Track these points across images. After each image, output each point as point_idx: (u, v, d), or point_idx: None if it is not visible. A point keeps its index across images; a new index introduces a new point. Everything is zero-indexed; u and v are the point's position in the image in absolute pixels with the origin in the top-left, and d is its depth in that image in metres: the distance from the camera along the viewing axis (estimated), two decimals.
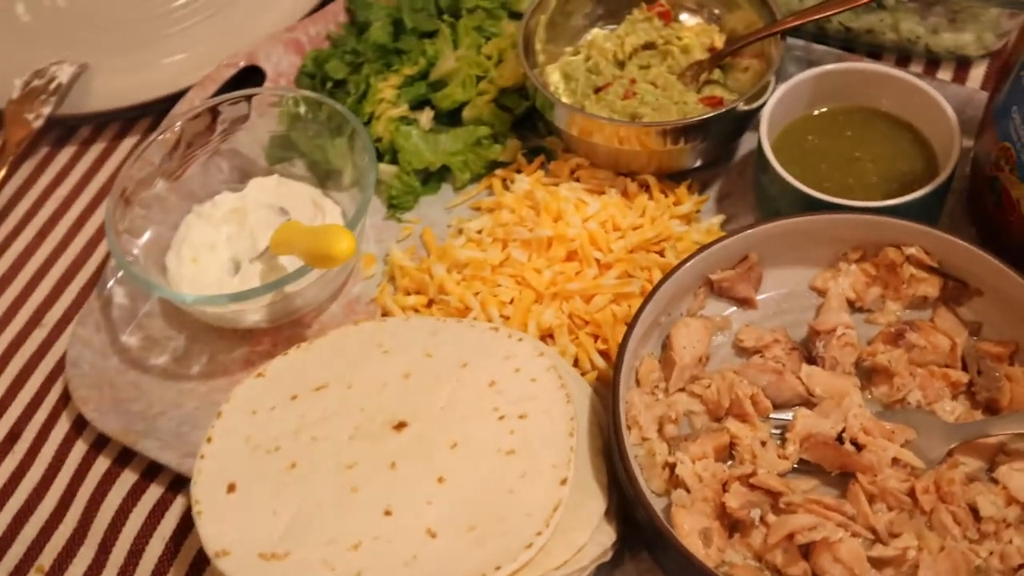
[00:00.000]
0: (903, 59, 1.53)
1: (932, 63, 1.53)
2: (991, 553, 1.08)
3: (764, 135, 1.30)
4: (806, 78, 1.35)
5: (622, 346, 1.16)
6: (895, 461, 1.13)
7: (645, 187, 1.38)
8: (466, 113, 1.46)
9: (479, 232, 1.37)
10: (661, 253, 1.33)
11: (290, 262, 1.33)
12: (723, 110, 1.31)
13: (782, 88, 1.34)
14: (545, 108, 1.37)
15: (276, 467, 1.16)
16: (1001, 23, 1.45)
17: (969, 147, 1.34)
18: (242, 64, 1.55)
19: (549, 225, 1.32)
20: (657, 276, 1.29)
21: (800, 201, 1.26)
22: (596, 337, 1.29)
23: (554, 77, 1.44)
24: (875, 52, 1.53)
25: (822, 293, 1.28)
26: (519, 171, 1.44)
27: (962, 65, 1.52)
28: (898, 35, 1.49)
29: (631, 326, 1.17)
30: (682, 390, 1.22)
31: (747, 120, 1.37)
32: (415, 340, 1.24)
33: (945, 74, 1.51)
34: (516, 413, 1.16)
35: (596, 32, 1.50)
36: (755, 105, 1.34)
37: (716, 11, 1.49)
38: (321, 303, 1.38)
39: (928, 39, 1.48)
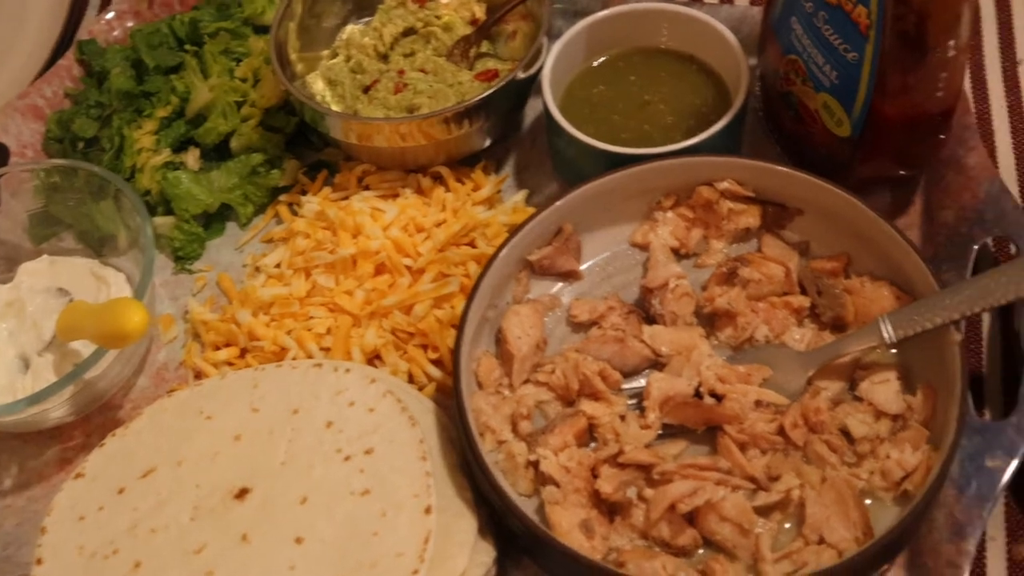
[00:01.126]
0: None
1: None
2: (872, 472, 1.06)
3: (549, 99, 1.24)
4: (579, 31, 1.29)
5: (455, 352, 1.09)
6: (758, 403, 1.10)
7: (439, 179, 1.31)
8: (234, 143, 1.36)
9: (277, 266, 1.28)
10: (472, 244, 1.26)
11: (84, 346, 1.23)
12: (502, 83, 1.24)
13: (557, 47, 1.28)
14: (316, 121, 1.29)
15: (119, 572, 1.05)
16: None
17: (753, 65, 1.31)
18: None
19: (349, 243, 1.24)
20: (473, 269, 1.23)
21: (601, 159, 1.20)
22: (426, 347, 1.21)
23: (318, 85, 1.36)
24: None
25: (644, 248, 1.23)
26: (305, 192, 1.35)
27: None
28: None
29: (459, 329, 1.11)
30: (527, 381, 1.15)
31: (528, 87, 1.30)
32: (237, 397, 1.14)
33: None
34: (361, 450, 1.08)
35: (351, 29, 1.41)
36: (533, 71, 1.28)
37: None
38: (127, 379, 1.28)
39: None
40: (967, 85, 1.36)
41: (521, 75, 1.26)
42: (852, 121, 1.15)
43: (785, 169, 1.17)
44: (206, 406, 1.15)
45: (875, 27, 1.08)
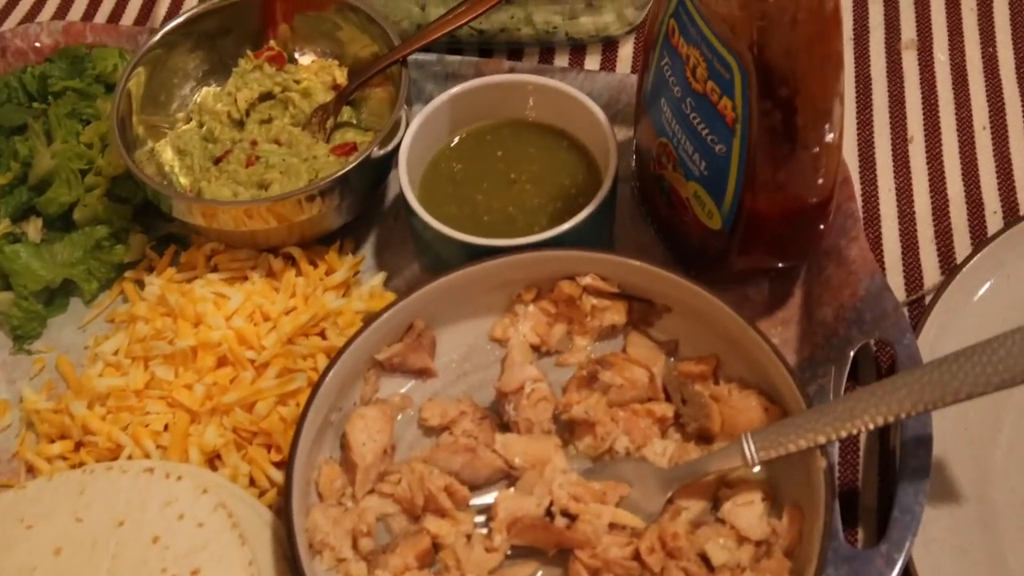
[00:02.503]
0: (547, 51, 1.41)
1: (578, 49, 1.41)
2: None
3: (404, 178, 1.16)
4: (441, 104, 1.21)
5: (288, 466, 1.02)
6: (612, 525, 1.02)
7: (292, 260, 1.22)
8: (77, 215, 1.26)
9: (116, 353, 1.19)
10: (323, 334, 1.18)
11: None
12: (356, 163, 1.16)
13: (417, 121, 1.19)
14: (158, 200, 1.19)
15: None
16: None
17: (630, 138, 1.23)
18: None
19: (189, 333, 1.15)
20: (322, 362, 1.15)
21: (457, 247, 1.13)
22: (269, 447, 1.13)
23: (166, 155, 1.27)
24: (516, 48, 1.41)
25: (504, 343, 1.15)
26: (152, 267, 1.26)
27: (609, 45, 1.40)
28: (534, 28, 1.36)
29: (294, 440, 1.03)
30: (372, 492, 1.07)
31: (387, 163, 1.21)
32: (62, 504, 1.06)
33: (593, 59, 1.40)
34: (188, 569, 1.00)
35: (206, 92, 1.32)
36: (391, 147, 1.19)
37: (330, 45, 1.33)
38: None
39: (566, 27, 1.36)
40: (854, 165, 1.29)
41: (377, 152, 1.18)
42: (723, 215, 1.08)
43: (649, 267, 1.09)
44: (28, 513, 1.06)
45: (741, 121, 1.00)
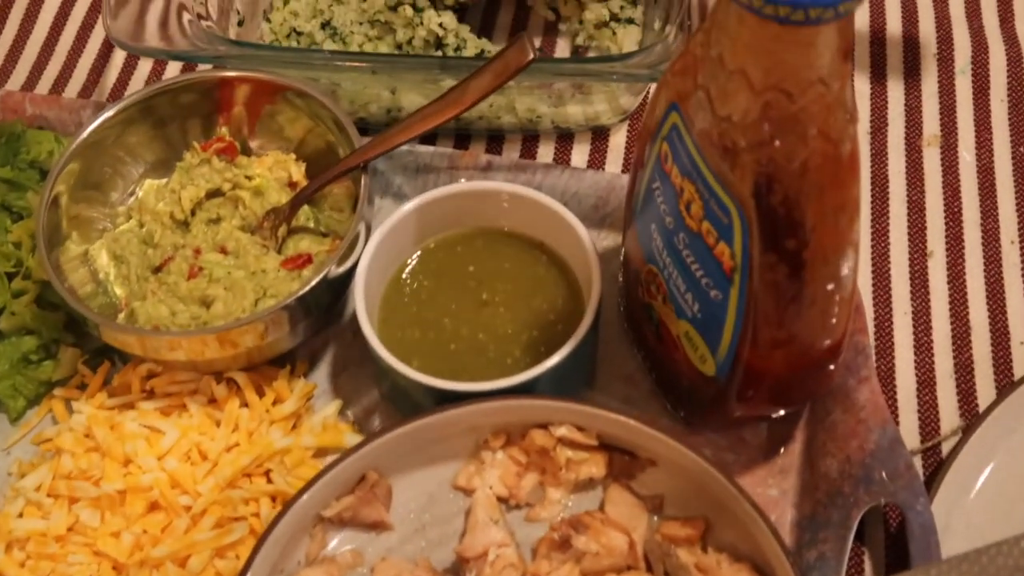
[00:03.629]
0: (531, 138, 1.27)
1: (565, 136, 1.27)
2: None
3: (361, 308, 1.03)
4: (404, 216, 1.08)
5: None
6: None
7: (237, 386, 1.09)
8: (4, 323, 1.13)
9: (38, 490, 1.06)
10: (267, 475, 1.05)
11: None
12: (307, 288, 1.03)
13: (376, 238, 1.06)
14: (83, 321, 1.07)
15: None
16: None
17: (620, 244, 1.11)
18: None
19: (117, 475, 1.03)
20: (266, 509, 1.03)
21: (416, 387, 1.00)
22: None
23: (101, 260, 1.14)
24: (496, 134, 1.27)
25: (468, 492, 1.03)
26: (84, 385, 1.13)
27: (600, 133, 1.27)
28: (516, 116, 1.23)
29: None
30: None
31: (346, 279, 1.08)
32: None
33: (582, 148, 1.26)
34: None
35: (148, 185, 1.18)
36: (349, 263, 1.06)
37: (283, 135, 1.19)
38: None
39: (553, 115, 1.23)
40: (867, 284, 1.15)
41: (334, 271, 1.05)
42: (717, 363, 0.95)
43: (629, 421, 0.97)
44: None
45: (741, 271, 0.88)
